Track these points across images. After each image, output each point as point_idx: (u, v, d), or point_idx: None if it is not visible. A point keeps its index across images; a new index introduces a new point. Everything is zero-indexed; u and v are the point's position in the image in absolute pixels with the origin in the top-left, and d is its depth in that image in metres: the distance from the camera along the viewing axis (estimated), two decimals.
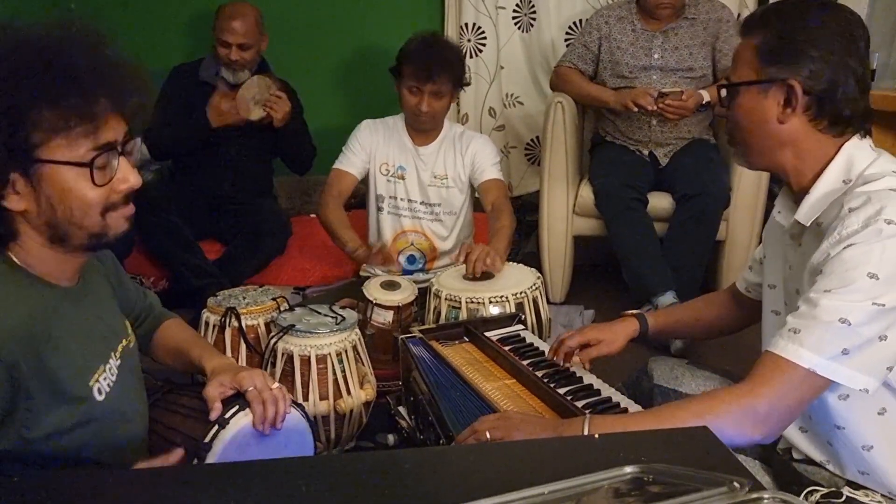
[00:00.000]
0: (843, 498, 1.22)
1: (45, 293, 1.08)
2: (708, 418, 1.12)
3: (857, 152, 1.20)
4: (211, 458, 1.21)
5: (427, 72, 2.36)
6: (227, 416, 1.24)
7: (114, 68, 1.05)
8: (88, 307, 1.16)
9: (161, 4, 3.52)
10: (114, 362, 1.19)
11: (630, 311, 1.66)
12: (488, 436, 1.23)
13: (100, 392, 1.13)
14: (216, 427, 1.23)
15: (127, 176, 1.09)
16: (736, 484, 0.70)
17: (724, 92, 1.29)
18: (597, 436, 0.93)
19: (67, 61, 1.01)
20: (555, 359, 1.59)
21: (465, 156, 2.54)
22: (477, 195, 2.63)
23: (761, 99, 1.22)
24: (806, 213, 1.23)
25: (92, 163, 1.04)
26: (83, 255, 1.14)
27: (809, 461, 1.30)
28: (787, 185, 1.31)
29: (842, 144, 1.21)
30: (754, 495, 0.68)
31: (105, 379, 1.15)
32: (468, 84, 2.67)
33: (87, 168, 1.04)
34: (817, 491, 1.24)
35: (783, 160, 1.25)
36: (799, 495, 1.21)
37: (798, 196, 1.27)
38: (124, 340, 1.24)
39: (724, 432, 1.11)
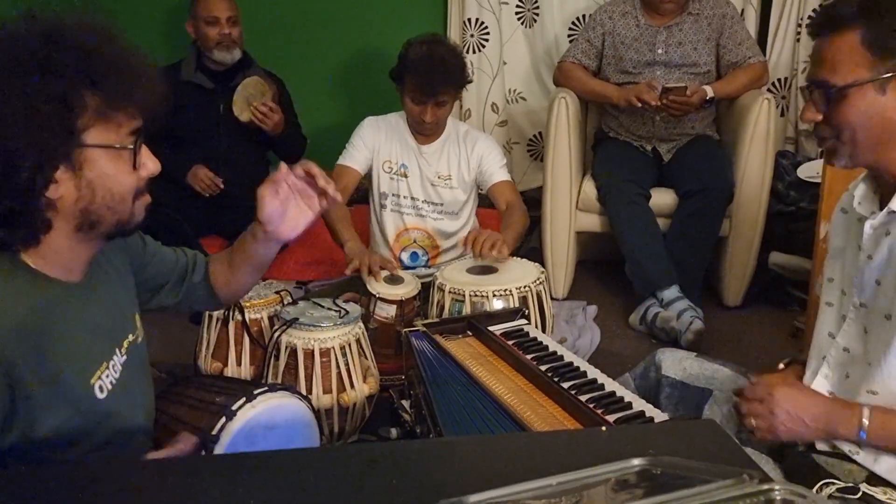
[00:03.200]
0: (860, 494, 1.21)
1: (48, 290, 1.07)
2: None
3: None
4: (219, 450, 1.21)
5: (431, 87, 2.34)
6: (233, 407, 1.24)
7: (138, 56, 1.07)
8: (93, 303, 1.15)
9: (133, 5, 3.50)
10: (118, 358, 1.18)
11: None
12: (753, 423, 1.22)
13: (101, 390, 1.12)
14: (223, 419, 1.23)
15: (147, 161, 1.11)
16: (745, 476, 0.69)
17: (814, 93, 1.21)
18: (604, 428, 0.93)
19: (106, 47, 1.03)
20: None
21: (471, 157, 2.53)
22: (481, 192, 2.63)
23: (878, 95, 1.16)
24: None
25: (135, 146, 1.06)
26: (100, 244, 1.13)
27: (833, 453, 1.28)
28: (872, 179, 1.28)
29: None
30: (764, 486, 0.67)
31: (108, 376, 1.14)
32: (470, 81, 2.66)
33: (126, 152, 1.06)
34: (833, 484, 1.22)
35: (891, 151, 1.20)
36: (811, 489, 1.20)
37: (888, 187, 1.23)
38: (131, 336, 1.23)
39: None
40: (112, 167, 1.05)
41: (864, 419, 1.17)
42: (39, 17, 1.03)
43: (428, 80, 2.33)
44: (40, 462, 1.05)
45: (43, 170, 1.00)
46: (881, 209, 1.23)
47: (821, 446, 1.30)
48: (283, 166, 1.31)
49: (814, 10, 3.10)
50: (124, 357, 1.19)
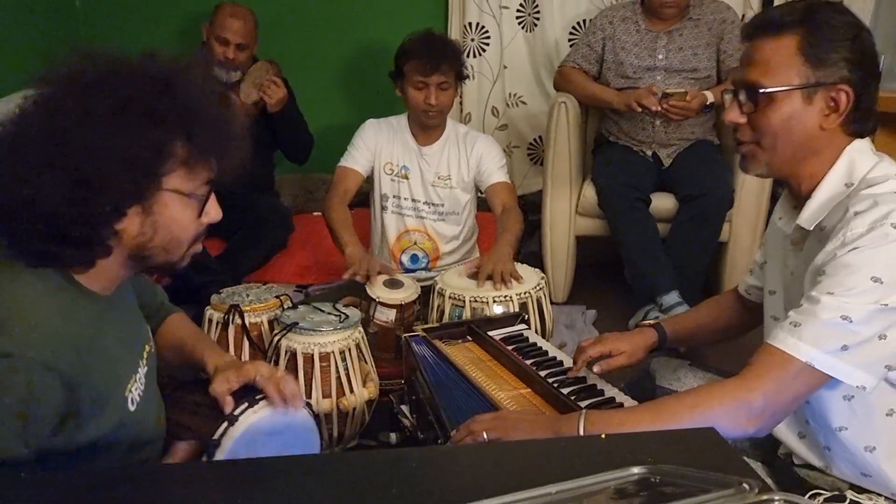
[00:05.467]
0: (847, 501, 1.22)
1: (92, 303, 1.09)
2: (702, 411, 1.14)
3: (859, 156, 1.19)
4: (220, 455, 1.21)
5: (433, 63, 2.36)
6: (236, 412, 1.24)
7: (230, 113, 1.11)
8: (122, 315, 1.17)
9: (155, 7, 3.52)
10: (142, 370, 1.20)
11: (647, 322, 1.62)
12: (485, 436, 1.22)
13: (132, 402, 1.14)
14: (225, 424, 1.23)
15: (210, 210, 1.13)
16: (745, 485, 0.70)
17: (740, 94, 1.21)
18: (603, 436, 0.93)
19: (207, 103, 1.06)
20: (573, 368, 1.55)
21: (471, 157, 2.54)
22: (481, 195, 2.63)
23: (805, 105, 1.17)
24: (808, 217, 1.21)
25: (207, 196, 1.10)
26: (136, 270, 1.16)
27: (811, 467, 1.30)
28: (788, 191, 1.29)
29: (844, 148, 1.19)
30: (764, 497, 0.67)
31: (136, 389, 1.16)
32: (468, 77, 2.66)
33: (196, 201, 1.09)
34: (820, 495, 1.24)
35: (807, 166, 1.21)
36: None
37: (799, 201, 1.25)
38: (148, 346, 1.25)
39: (717, 425, 1.12)
40: (179, 213, 1.08)
41: (581, 420, 1.20)
42: (158, 59, 1.06)
43: (428, 57, 2.35)
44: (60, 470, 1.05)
45: (120, 205, 1.03)
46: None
47: (797, 460, 1.32)
48: (263, 371, 1.32)
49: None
50: (145, 368, 1.21)
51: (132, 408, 1.13)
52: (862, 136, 1.20)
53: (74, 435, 1.03)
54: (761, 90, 1.18)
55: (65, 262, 1.05)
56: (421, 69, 2.37)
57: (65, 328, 1.02)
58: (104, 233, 1.04)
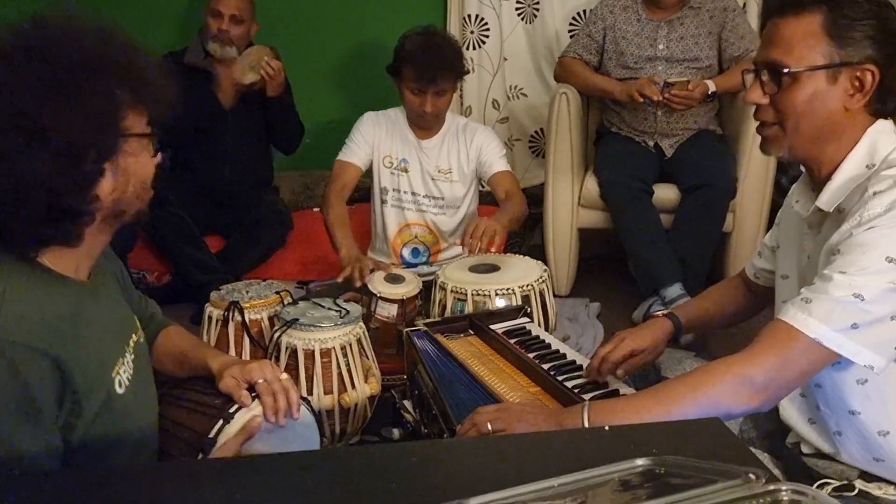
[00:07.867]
0: (856, 491, 1.21)
1: (67, 289, 1.08)
2: (704, 390, 1.13)
3: (882, 136, 1.17)
4: (216, 453, 1.20)
5: (429, 75, 2.33)
6: (231, 410, 1.23)
7: (141, 49, 1.11)
8: (103, 302, 1.17)
9: (155, 6, 3.50)
10: (129, 356, 1.19)
11: (660, 312, 1.59)
12: (489, 427, 1.21)
13: (120, 385, 1.13)
14: (220, 422, 1.22)
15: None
16: (752, 476, 0.68)
17: (763, 75, 1.19)
18: (607, 428, 0.92)
19: (133, 46, 1.08)
20: (598, 376, 1.48)
21: (471, 149, 2.53)
22: (483, 187, 2.62)
23: (828, 85, 1.14)
24: (828, 199, 1.19)
25: (154, 133, 1.11)
26: (108, 239, 1.15)
27: (820, 455, 1.29)
28: (807, 173, 1.27)
29: (866, 128, 1.17)
30: (771, 487, 0.66)
31: (124, 372, 1.15)
32: (468, 72, 2.64)
33: (148, 139, 1.10)
34: (828, 484, 1.23)
35: (828, 148, 1.19)
36: None
37: (818, 183, 1.23)
38: (135, 336, 1.25)
39: (721, 402, 1.11)
40: (139, 155, 1.09)
41: (585, 411, 1.18)
42: (53, 21, 1.05)
43: (426, 67, 2.32)
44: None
45: (99, 162, 1.03)
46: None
47: (806, 449, 1.30)
48: (267, 375, 1.31)
49: None
50: (132, 356, 1.20)
51: (120, 390, 1.13)
52: (884, 117, 1.18)
53: (76, 417, 1.03)
54: (785, 70, 1.16)
55: (58, 241, 1.04)
56: (418, 78, 2.35)
57: (45, 311, 1.02)
58: (87, 198, 1.03)
